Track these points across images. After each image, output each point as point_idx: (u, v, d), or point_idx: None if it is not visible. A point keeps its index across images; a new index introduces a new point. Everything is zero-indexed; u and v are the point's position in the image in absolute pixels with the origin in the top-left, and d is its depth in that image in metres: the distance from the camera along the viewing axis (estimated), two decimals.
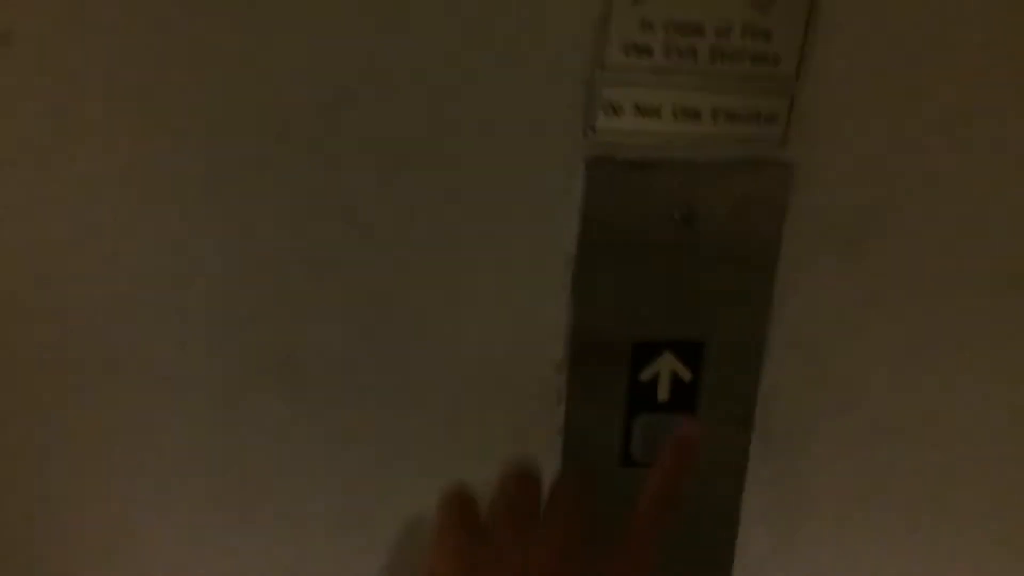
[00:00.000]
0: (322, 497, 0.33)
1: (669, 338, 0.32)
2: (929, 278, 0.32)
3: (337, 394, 0.32)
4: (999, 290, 0.33)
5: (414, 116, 0.29)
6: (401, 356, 0.31)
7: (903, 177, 0.31)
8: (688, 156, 0.30)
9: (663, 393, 0.33)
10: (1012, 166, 0.31)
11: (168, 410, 0.31)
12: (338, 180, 0.29)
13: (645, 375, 0.32)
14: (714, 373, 0.33)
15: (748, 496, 0.35)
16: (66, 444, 0.31)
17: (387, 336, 0.31)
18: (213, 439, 0.32)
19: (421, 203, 0.30)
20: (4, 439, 0.31)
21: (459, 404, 0.33)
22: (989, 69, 0.30)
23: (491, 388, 0.32)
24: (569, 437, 0.33)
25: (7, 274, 0.29)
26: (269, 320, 0.30)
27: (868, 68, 0.30)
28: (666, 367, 0.32)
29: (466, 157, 0.29)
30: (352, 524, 0.33)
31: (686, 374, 0.33)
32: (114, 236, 0.29)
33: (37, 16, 0.26)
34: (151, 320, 0.30)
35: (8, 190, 0.28)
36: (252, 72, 0.27)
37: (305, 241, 0.30)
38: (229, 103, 0.28)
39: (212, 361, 0.31)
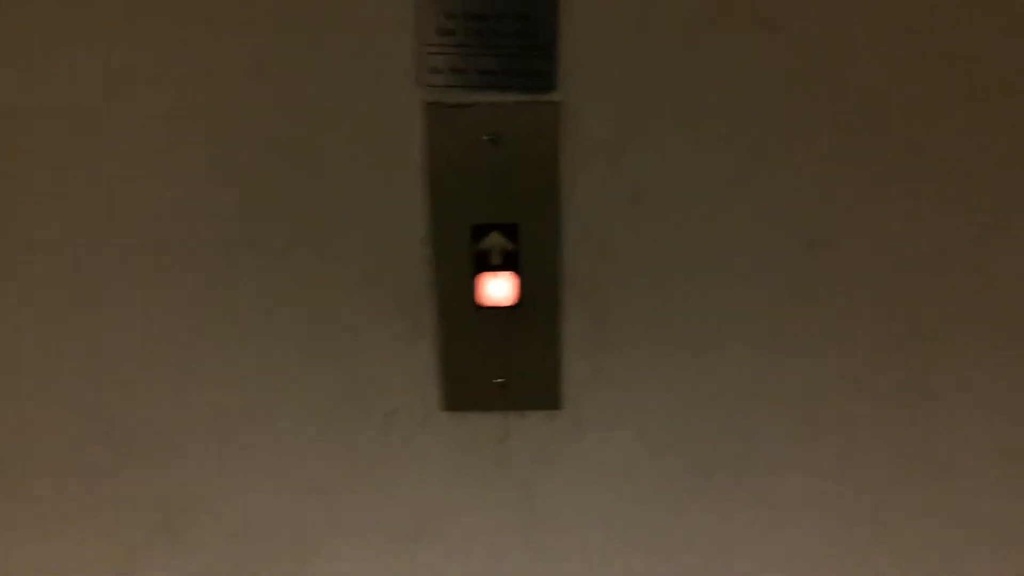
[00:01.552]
0: (281, 323, 0.51)
1: (494, 221, 0.48)
2: (677, 179, 0.47)
3: (294, 260, 0.50)
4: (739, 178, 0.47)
5: (312, 102, 0.46)
6: (335, 235, 0.49)
7: (646, 107, 0.46)
8: (491, 100, 0.46)
9: (496, 259, 0.49)
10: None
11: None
12: (268, 135, 0.47)
13: (482, 246, 0.49)
14: (528, 245, 0.49)
15: (568, 334, 0.51)
16: (125, 290, 0.50)
17: (326, 214, 0.49)
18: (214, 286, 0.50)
19: (325, 141, 0.47)
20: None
21: (369, 261, 0.50)
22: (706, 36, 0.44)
23: (388, 252, 0.49)
24: (438, 288, 0.50)
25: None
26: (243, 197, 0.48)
27: (608, 35, 0.44)
28: (495, 242, 0.49)
29: (345, 106, 0.46)
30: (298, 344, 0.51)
31: (509, 246, 0.49)
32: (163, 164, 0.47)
33: None
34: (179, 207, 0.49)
35: None
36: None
37: (260, 167, 0.48)
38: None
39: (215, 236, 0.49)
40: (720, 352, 0.51)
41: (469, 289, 0.50)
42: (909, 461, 0.53)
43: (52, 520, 0.55)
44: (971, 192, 0.47)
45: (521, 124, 0.46)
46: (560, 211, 0.48)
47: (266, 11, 0.44)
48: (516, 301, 0.50)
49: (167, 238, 0.49)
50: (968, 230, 0.48)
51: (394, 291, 0.50)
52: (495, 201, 0.48)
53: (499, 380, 0.52)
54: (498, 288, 0.50)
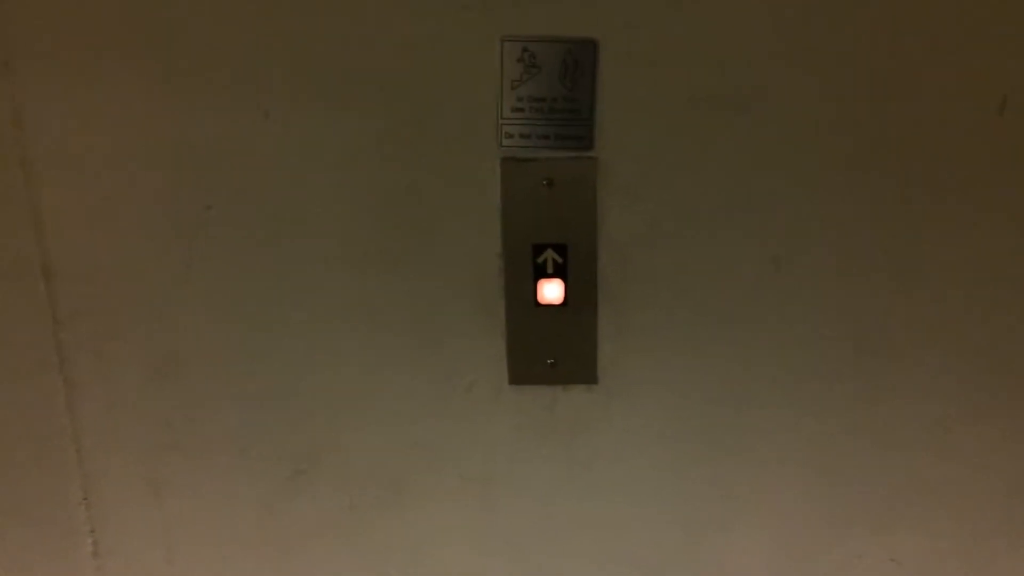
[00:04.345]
0: (396, 315, 0.70)
1: (549, 241, 0.68)
2: (677, 210, 0.66)
3: (405, 267, 0.69)
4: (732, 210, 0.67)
5: (427, 158, 0.66)
6: (435, 252, 0.69)
7: (655, 161, 0.66)
8: (549, 155, 0.66)
9: (549, 269, 0.69)
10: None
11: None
12: (397, 181, 0.67)
13: (539, 260, 0.68)
14: (573, 259, 0.68)
15: (601, 324, 0.70)
16: (284, 291, 0.70)
17: (431, 234, 0.68)
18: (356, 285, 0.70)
19: (436, 183, 0.67)
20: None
21: (459, 271, 0.69)
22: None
23: (473, 264, 0.69)
24: (508, 290, 0.69)
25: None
26: (371, 221, 0.69)
27: (627, 112, 0.65)
28: (549, 256, 0.68)
29: (451, 160, 0.66)
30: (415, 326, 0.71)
31: (559, 259, 0.68)
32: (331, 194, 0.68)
33: None
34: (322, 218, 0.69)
35: None
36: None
37: (389, 201, 0.68)
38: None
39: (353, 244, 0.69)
40: (712, 338, 0.69)
41: (530, 291, 0.69)
42: (860, 427, 0.71)
43: (217, 464, 0.75)
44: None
45: (569, 173, 0.66)
46: (596, 234, 0.67)
47: (402, 101, 0.65)
48: (564, 301, 0.69)
49: (324, 255, 0.69)
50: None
51: (477, 292, 0.69)
52: (550, 227, 0.68)
53: (550, 361, 0.71)
54: (551, 291, 0.69)
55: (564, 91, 0.64)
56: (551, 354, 0.71)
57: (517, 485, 0.74)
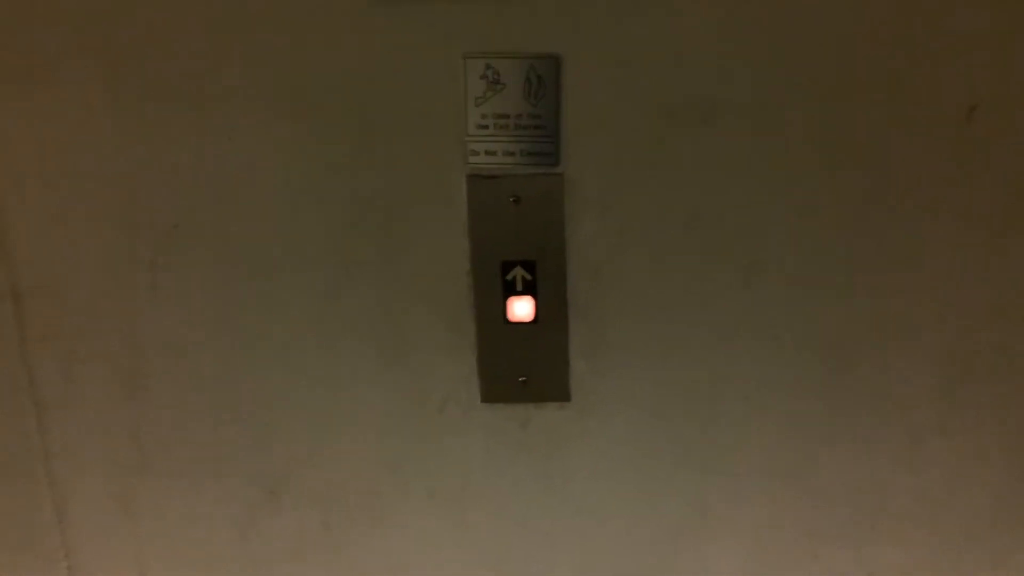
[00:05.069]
0: (367, 334, 0.70)
1: (518, 258, 0.67)
2: (645, 224, 0.66)
3: (374, 287, 0.69)
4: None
5: (396, 175, 0.66)
6: (404, 270, 0.68)
7: (622, 175, 0.65)
8: (515, 171, 0.65)
9: (519, 286, 0.68)
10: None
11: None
12: (366, 196, 0.67)
13: (508, 277, 0.68)
14: (542, 276, 0.68)
15: (572, 341, 0.69)
16: (254, 309, 0.70)
17: (398, 253, 0.68)
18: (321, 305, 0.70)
19: (406, 201, 0.67)
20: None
21: (428, 289, 0.69)
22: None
23: (442, 282, 0.68)
24: (477, 308, 0.69)
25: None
26: (339, 241, 0.68)
27: (593, 127, 0.64)
28: (518, 273, 0.68)
29: (417, 177, 0.66)
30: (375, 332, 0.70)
31: (528, 276, 0.68)
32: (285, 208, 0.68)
33: None
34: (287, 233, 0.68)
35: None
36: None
37: (357, 218, 0.67)
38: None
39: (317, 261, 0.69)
40: (685, 352, 0.69)
41: (500, 309, 0.69)
42: (835, 440, 0.70)
43: (189, 484, 0.74)
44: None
45: (535, 189, 0.66)
46: (565, 250, 0.67)
47: (368, 119, 0.65)
48: (534, 318, 0.69)
49: (294, 274, 0.68)
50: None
51: (447, 310, 0.69)
52: (518, 244, 0.67)
53: (522, 378, 0.70)
54: (521, 308, 0.69)
55: (529, 107, 0.64)
56: (523, 372, 0.70)
57: (491, 503, 0.73)
